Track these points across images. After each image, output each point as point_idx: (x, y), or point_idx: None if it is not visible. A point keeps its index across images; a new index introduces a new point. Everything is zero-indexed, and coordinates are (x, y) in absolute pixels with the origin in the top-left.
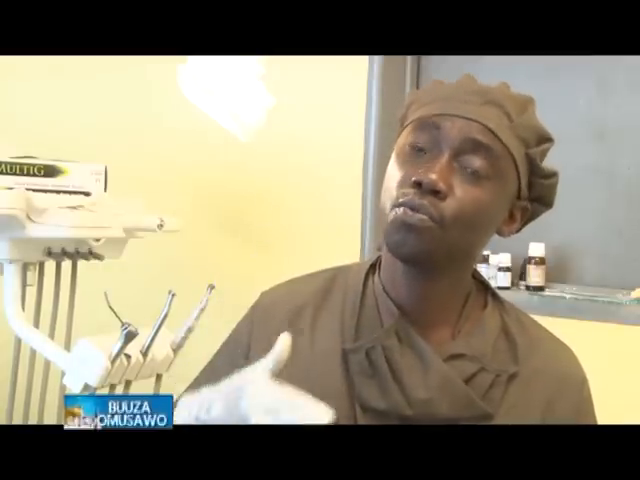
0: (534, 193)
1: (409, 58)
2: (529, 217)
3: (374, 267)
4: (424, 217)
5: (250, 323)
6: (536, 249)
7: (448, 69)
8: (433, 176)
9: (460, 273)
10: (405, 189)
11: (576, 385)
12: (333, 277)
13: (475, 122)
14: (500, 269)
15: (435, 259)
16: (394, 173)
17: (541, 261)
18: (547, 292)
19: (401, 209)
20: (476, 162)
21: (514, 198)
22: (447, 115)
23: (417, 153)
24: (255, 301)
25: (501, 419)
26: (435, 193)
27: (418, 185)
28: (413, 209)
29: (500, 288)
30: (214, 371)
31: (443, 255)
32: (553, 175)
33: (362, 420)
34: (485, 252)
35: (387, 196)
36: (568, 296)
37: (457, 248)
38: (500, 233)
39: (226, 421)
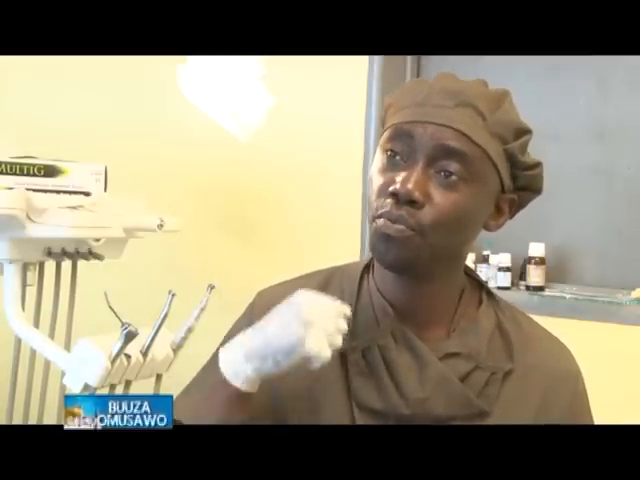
0: (519, 184)
1: (409, 58)
2: (518, 206)
3: (368, 267)
4: (402, 227)
5: (249, 321)
6: (536, 249)
7: (448, 69)
8: (409, 186)
9: (450, 272)
10: (383, 198)
11: (570, 381)
12: (329, 277)
13: (447, 127)
14: (500, 269)
15: (420, 265)
16: (374, 180)
17: (541, 261)
18: (547, 292)
19: (381, 220)
20: (451, 167)
21: (498, 193)
22: (419, 122)
23: (393, 161)
24: (253, 300)
25: (497, 416)
26: (412, 203)
27: (395, 196)
28: (391, 220)
29: (500, 288)
30: (214, 370)
31: (427, 260)
32: (536, 166)
33: (360, 420)
34: (485, 252)
35: (369, 203)
36: (568, 296)
37: (441, 252)
38: (487, 228)
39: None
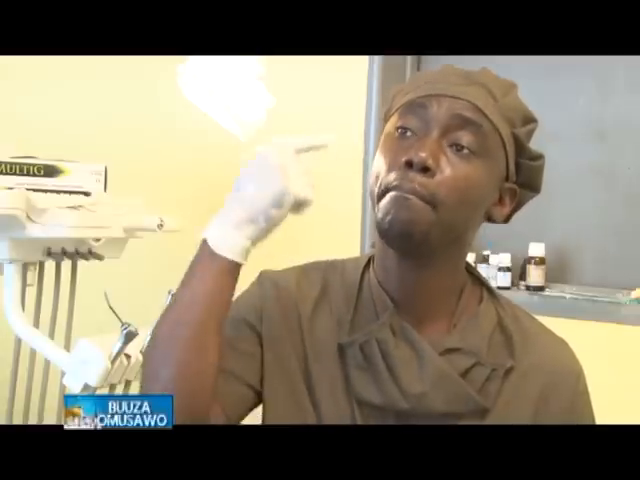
0: (521, 176)
1: (409, 58)
2: (517, 203)
3: (369, 263)
4: (415, 201)
5: (260, 289)
6: (536, 249)
7: None
8: (423, 154)
9: (453, 261)
10: (394, 172)
11: (571, 379)
12: (326, 271)
13: (462, 100)
14: (500, 269)
15: (429, 241)
16: (381, 159)
17: (541, 261)
18: (547, 292)
19: (392, 193)
20: (465, 138)
21: (502, 180)
22: (434, 95)
23: (404, 136)
24: (258, 276)
25: (497, 413)
26: (425, 170)
27: (409, 164)
28: (403, 190)
29: (500, 288)
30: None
31: (437, 237)
32: (539, 157)
33: (359, 414)
34: (485, 252)
35: (376, 183)
36: (568, 296)
37: (450, 228)
38: (491, 217)
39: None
